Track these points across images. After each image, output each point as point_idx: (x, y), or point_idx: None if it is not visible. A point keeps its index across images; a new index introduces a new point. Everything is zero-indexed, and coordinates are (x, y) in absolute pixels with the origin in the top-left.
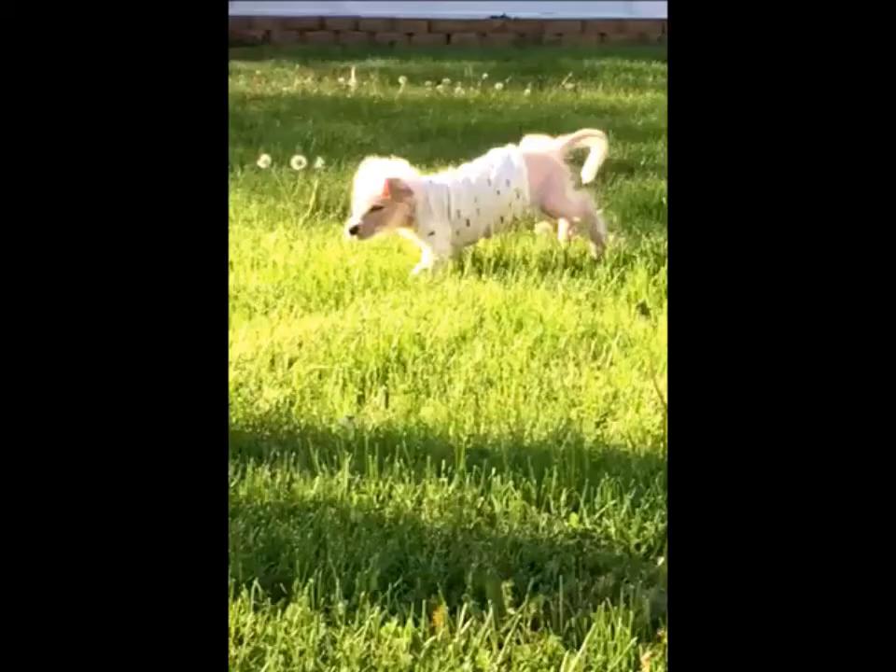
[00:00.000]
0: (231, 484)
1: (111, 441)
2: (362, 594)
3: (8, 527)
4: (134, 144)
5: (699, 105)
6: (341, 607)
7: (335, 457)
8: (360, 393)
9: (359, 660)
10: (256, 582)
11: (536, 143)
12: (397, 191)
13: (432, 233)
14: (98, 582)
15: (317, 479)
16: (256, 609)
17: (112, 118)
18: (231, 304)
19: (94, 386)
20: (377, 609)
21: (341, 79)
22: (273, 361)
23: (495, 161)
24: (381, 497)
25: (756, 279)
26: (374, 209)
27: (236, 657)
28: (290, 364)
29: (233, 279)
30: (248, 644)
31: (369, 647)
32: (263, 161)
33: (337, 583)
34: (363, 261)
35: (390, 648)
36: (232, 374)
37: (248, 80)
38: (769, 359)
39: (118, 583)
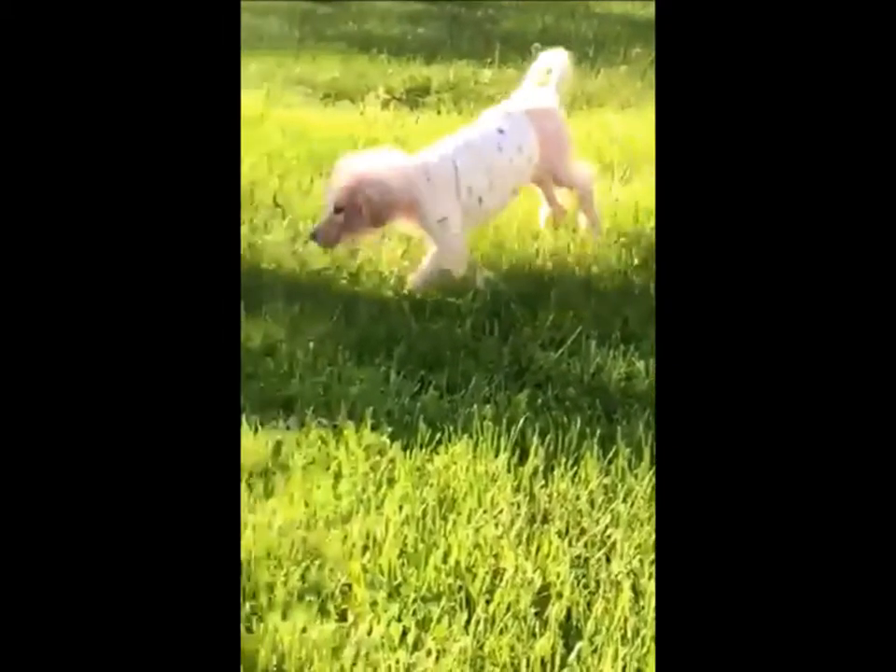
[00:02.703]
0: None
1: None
2: None
3: (22, 500)
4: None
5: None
6: None
7: None
8: None
9: None
10: None
11: (531, 96)
12: (360, 195)
13: (444, 220)
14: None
15: None
16: None
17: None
18: None
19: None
20: None
21: None
22: None
23: (499, 122)
24: None
25: (753, 282)
26: (338, 211)
27: None
28: None
29: None
30: None
31: None
32: None
33: None
34: None
35: None
36: None
37: None
38: (765, 360)
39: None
